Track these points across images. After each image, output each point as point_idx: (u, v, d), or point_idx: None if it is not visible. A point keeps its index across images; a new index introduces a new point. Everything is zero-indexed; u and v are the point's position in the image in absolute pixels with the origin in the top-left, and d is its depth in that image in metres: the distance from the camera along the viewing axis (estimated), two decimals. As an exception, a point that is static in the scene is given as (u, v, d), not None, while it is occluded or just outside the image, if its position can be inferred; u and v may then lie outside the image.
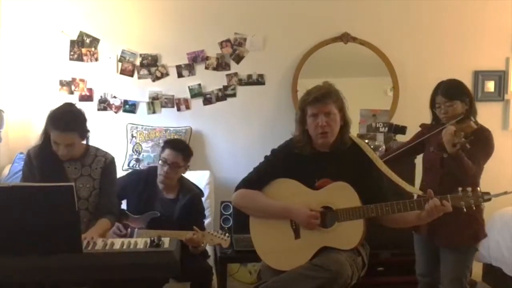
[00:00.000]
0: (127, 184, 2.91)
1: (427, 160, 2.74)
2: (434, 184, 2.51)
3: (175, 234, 2.59)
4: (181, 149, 2.83)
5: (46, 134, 2.47)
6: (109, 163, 2.61)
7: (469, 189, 2.14)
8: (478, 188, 2.15)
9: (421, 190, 2.40)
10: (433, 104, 2.69)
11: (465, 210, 2.14)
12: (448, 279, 2.62)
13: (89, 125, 2.55)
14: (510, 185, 2.36)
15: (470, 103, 2.63)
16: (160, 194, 2.88)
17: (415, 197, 2.35)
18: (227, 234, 2.74)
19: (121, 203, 2.93)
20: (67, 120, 2.41)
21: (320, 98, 2.28)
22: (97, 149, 2.64)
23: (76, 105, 2.58)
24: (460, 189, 2.15)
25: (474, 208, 2.15)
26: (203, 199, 3.05)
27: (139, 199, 2.86)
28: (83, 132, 2.51)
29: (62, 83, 3.73)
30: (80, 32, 3.72)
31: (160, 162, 2.84)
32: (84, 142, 2.57)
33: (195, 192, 2.92)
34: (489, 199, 2.13)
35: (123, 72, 3.77)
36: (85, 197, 2.52)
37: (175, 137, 3.66)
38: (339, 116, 2.32)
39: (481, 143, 2.49)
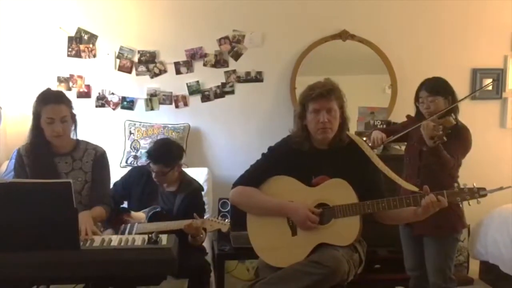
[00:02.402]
0: (130, 179, 2.94)
1: (408, 153, 2.86)
2: (413, 176, 2.64)
3: (175, 224, 2.61)
4: (161, 160, 2.80)
5: (36, 125, 2.48)
6: (99, 156, 2.62)
7: (465, 184, 2.17)
8: (474, 184, 2.17)
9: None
10: (417, 99, 2.79)
11: (461, 206, 2.17)
12: (431, 271, 2.68)
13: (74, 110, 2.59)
14: (507, 181, 2.36)
15: (453, 102, 2.71)
16: (161, 187, 2.90)
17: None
18: (226, 220, 2.75)
19: (123, 202, 2.96)
20: (56, 94, 2.55)
21: (324, 94, 2.28)
22: (87, 143, 2.65)
23: None
24: (456, 184, 2.18)
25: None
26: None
27: (142, 193, 2.89)
28: (72, 110, 2.54)
29: (60, 80, 3.73)
30: (78, 28, 3.71)
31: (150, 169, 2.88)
32: (74, 131, 2.58)
33: (194, 186, 2.94)
34: (485, 195, 2.14)
35: (121, 68, 3.77)
36: (77, 191, 2.51)
37: (173, 134, 3.67)
38: (339, 113, 2.33)
39: (460, 139, 2.62)
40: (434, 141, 2.47)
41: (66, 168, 2.55)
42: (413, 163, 2.75)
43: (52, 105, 2.45)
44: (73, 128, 2.57)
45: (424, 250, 2.71)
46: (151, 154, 2.84)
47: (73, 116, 2.55)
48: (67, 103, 2.51)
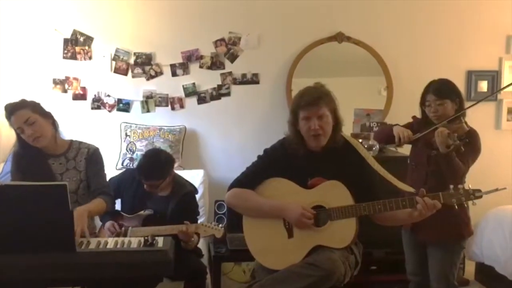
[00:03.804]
0: (121, 181, 2.93)
1: (414, 157, 2.76)
2: (419, 181, 2.53)
3: (168, 229, 2.60)
4: (152, 177, 2.78)
5: (18, 136, 2.53)
6: (92, 153, 2.64)
7: (461, 186, 2.16)
8: (469, 185, 2.17)
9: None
10: (423, 102, 2.69)
11: (456, 207, 2.16)
12: (435, 277, 2.63)
13: (45, 107, 2.57)
14: (502, 183, 2.36)
15: (460, 104, 2.64)
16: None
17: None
18: (220, 225, 2.73)
19: (117, 198, 2.94)
20: (12, 105, 2.52)
21: (312, 102, 2.28)
22: (80, 142, 2.67)
23: None
24: (451, 186, 2.16)
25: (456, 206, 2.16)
26: (197, 197, 3.05)
27: (133, 196, 2.87)
28: (35, 108, 2.52)
29: (55, 82, 3.72)
30: (74, 30, 3.71)
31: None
32: (52, 124, 2.56)
33: (188, 190, 2.92)
34: (480, 196, 2.14)
35: (117, 70, 3.77)
36: (73, 190, 2.52)
37: (169, 136, 3.67)
38: (331, 117, 2.32)
39: (470, 145, 2.50)
40: (450, 150, 2.38)
41: (61, 169, 2.57)
42: (420, 168, 2.65)
43: (12, 117, 2.48)
44: (54, 127, 2.57)
45: (428, 256, 2.66)
46: (141, 171, 2.80)
47: (44, 115, 2.53)
48: (27, 107, 2.49)
